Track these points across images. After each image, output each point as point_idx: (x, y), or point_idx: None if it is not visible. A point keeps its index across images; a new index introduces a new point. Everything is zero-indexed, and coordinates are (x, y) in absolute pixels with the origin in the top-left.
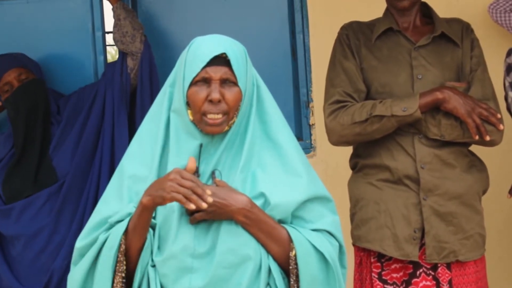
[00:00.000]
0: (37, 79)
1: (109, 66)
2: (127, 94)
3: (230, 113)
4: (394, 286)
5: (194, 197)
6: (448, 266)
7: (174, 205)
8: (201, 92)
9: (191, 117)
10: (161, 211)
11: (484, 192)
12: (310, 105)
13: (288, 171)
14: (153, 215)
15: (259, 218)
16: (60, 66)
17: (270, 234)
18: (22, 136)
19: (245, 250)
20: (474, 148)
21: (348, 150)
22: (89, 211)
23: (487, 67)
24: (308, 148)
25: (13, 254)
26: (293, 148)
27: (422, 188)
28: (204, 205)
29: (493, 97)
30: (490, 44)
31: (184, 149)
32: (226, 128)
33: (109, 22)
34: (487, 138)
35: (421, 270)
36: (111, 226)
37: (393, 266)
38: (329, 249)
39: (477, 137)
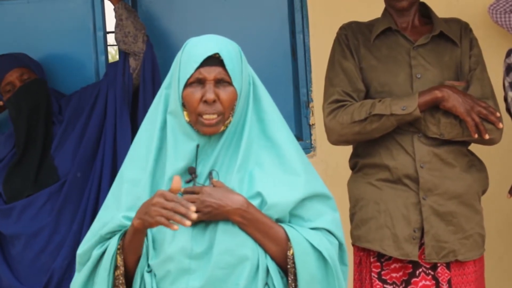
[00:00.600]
0: (39, 79)
1: (111, 66)
2: (129, 94)
3: (225, 113)
4: (394, 285)
5: (177, 217)
6: (448, 265)
7: None
8: (196, 93)
9: (187, 118)
10: None
11: (484, 192)
12: (310, 105)
13: (286, 170)
14: None
15: (256, 218)
16: (61, 66)
17: (267, 233)
18: (24, 136)
19: (242, 251)
20: (473, 148)
21: (348, 150)
22: (90, 211)
23: (486, 67)
24: (308, 148)
25: (13, 253)
26: (291, 147)
27: (421, 187)
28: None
29: (492, 96)
30: (490, 44)
31: (181, 151)
32: (223, 128)
33: (110, 22)
34: (486, 136)
35: (420, 270)
36: (102, 238)
37: (392, 266)
38: (328, 248)
39: (476, 136)
